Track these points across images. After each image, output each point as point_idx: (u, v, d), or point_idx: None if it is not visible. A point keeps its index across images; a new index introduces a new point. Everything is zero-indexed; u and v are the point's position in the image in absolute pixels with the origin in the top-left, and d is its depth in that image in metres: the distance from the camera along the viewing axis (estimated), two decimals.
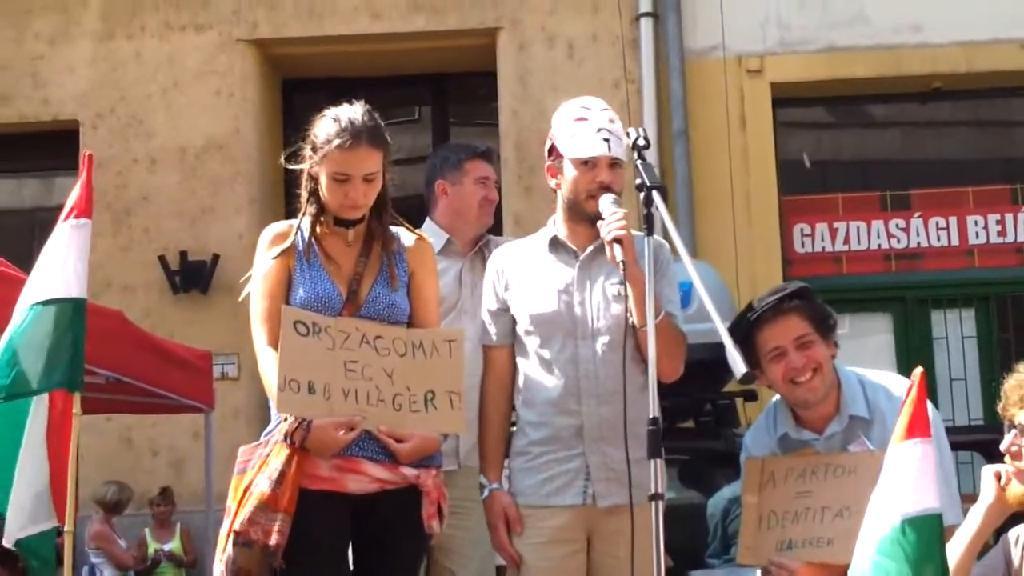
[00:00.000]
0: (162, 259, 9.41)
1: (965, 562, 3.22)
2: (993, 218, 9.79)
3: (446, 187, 4.61)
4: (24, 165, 10.25)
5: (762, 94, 9.59)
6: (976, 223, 9.79)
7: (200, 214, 9.54)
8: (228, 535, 3.39)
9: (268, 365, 3.48)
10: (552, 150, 3.85)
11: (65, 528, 4.80)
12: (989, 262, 9.78)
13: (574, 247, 3.83)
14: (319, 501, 3.40)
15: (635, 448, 3.50)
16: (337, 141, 3.49)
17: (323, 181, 3.55)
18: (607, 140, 3.73)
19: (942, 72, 9.61)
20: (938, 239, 9.79)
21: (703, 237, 9.29)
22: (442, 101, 10.41)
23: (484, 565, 4.41)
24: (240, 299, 3.68)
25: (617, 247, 3.55)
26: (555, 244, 3.87)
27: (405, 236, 3.74)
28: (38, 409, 4.83)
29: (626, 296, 3.61)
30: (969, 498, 3.45)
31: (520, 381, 3.84)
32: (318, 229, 3.63)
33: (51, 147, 9.84)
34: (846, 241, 9.83)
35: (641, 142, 3.67)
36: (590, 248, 3.80)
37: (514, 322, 3.85)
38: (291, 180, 3.74)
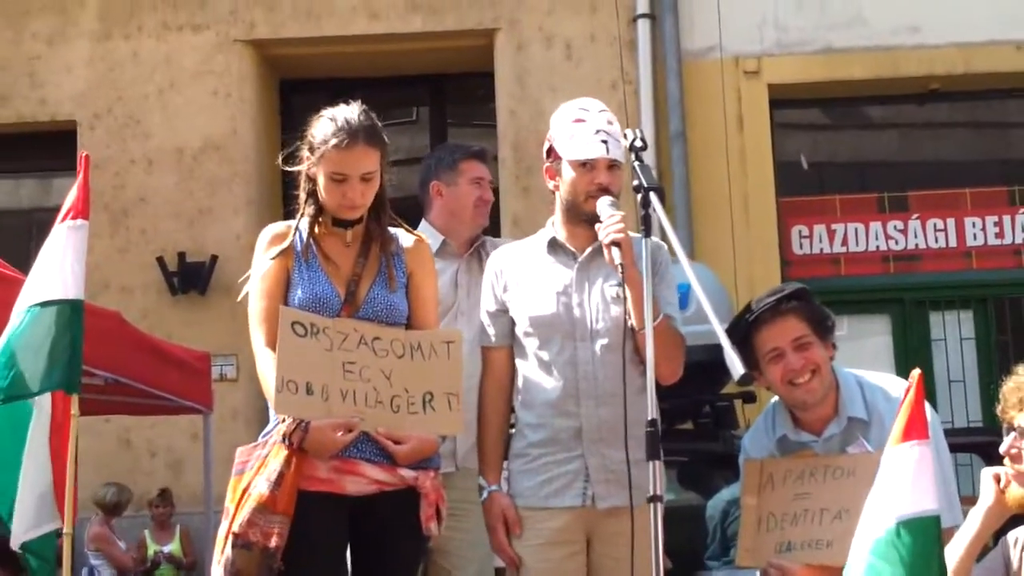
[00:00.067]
0: (160, 260, 9.40)
1: (964, 564, 3.22)
2: (991, 220, 9.80)
3: (441, 188, 4.60)
4: (22, 165, 10.25)
5: (759, 95, 9.59)
6: (974, 225, 9.80)
7: (198, 215, 9.53)
8: (227, 537, 3.38)
9: (266, 366, 3.47)
10: (550, 151, 3.85)
11: (64, 530, 4.80)
12: (987, 264, 9.79)
13: (573, 249, 3.83)
14: (317, 502, 3.40)
15: (635, 450, 3.49)
16: (334, 141, 3.49)
17: (321, 181, 3.55)
18: (605, 142, 3.73)
19: (939, 73, 9.62)
20: (936, 241, 9.80)
21: (701, 239, 9.29)
22: (440, 102, 10.41)
23: (483, 567, 4.41)
24: (238, 300, 3.68)
25: (615, 250, 3.54)
26: (554, 246, 3.87)
27: (404, 237, 3.74)
28: (41, 411, 4.84)
29: (625, 298, 3.60)
30: (968, 500, 3.45)
31: (519, 383, 3.84)
32: (316, 230, 3.63)
33: (48, 147, 9.84)
34: (844, 242, 9.84)
35: (638, 143, 3.67)
36: (589, 250, 3.80)
37: (513, 323, 3.85)
38: (289, 181, 3.74)
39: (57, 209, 4.91)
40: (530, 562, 3.72)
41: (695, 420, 7.23)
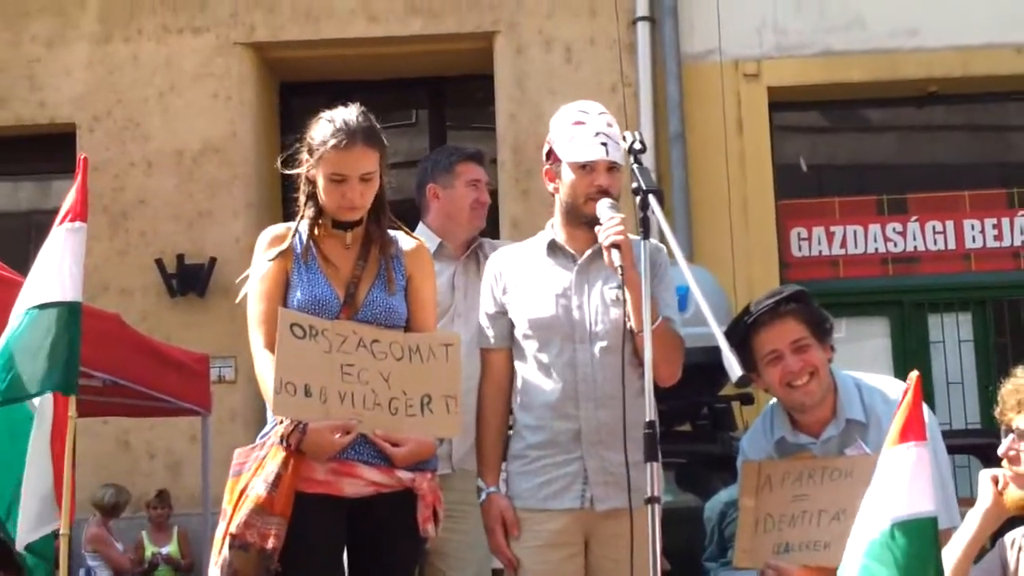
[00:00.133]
0: (159, 262, 9.41)
1: (962, 566, 3.22)
2: (989, 222, 9.81)
3: (437, 191, 4.60)
4: (21, 168, 10.25)
5: (759, 98, 9.60)
6: (973, 227, 9.81)
7: (197, 217, 9.54)
8: (224, 538, 3.38)
9: (264, 367, 3.47)
10: (550, 154, 3.85)
11: (61, 531, 4.80)
12: (985, 266, 9.80)
13: (572, 251, 3.83)
14: (315, 504, 3.40)
15: (634, 452, 3.49)
16: (333, 141, 3.49)
17: (320, 183, 3.55)
18: (605, 144, 3.73)
19: (938, 76, 9.63)
20: (935, 243, 9.81)
21: (700, 241, 9.29)
22: (439, 105, 10.41)
23: (480, 568, 4.41)
24: (237, 301, 3.68)
25: (615, 252, 3.54)
26: (553, 248, 3.87)
27: (403, 240, 3.74)
28: (43, 413, 4.85)
29: (624, 300, 3.60)
30: (966, 502, 3.45)
31: (518, 385, 3.83)
32: (316, 232, 3.63)
33: (48, 150, 9.85)
34: (843, 245, 9.84)
35: (637, 146, 3.67)
36: (588, 252, 3.80)
37: (512, 325, 3.85)
38: (288, 184, 3.74)
39: (56, 211, 4.91)
40: (528, 564, 3.72)
41: (693, 422, 7.23)
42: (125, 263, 9.45)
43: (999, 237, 9.79)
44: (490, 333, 3.89)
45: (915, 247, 9.81)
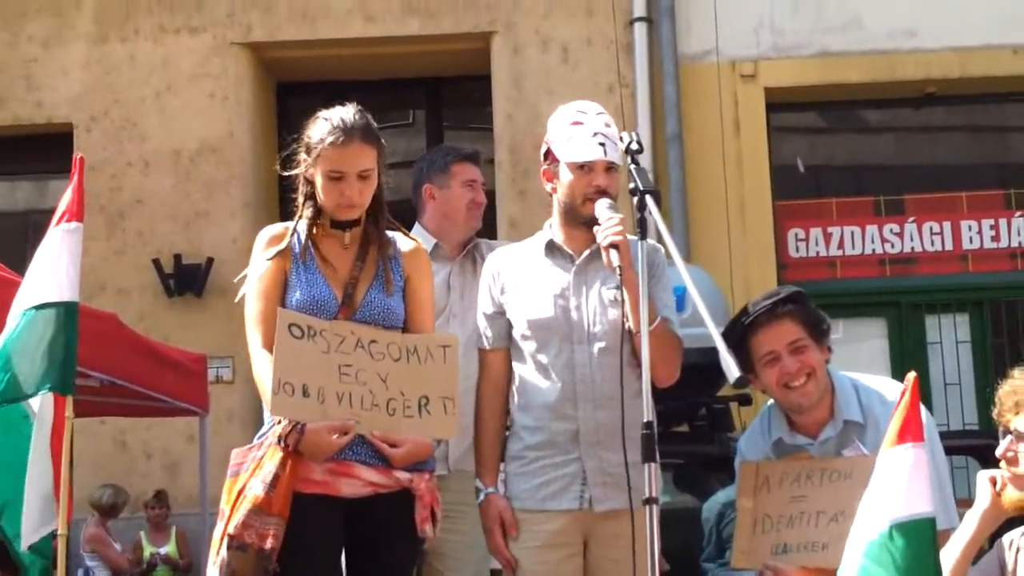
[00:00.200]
0: (156, 262, 9.41)
1: (960, 567, 3.22)
2: (987, 223, 9.81)
3: (433, 191, 4.59)
4: (18, 168, 10.25)
5: (756, 99, 9.60)
6: (970, 228, 9.81)
7: (194, 217, 9.53)
8: (222, 538, 3.38)
9: (262, 367, 3.47)
10: (548, 154, 3.84)
11: (59, 531, 4.80)
12: (983, 267, 9.81)
13: (570, 251, 3.83)
14: (313, 505, 3.39)
15: (633, 452, 3.48)
16: (330, 139, 3.50)
17: (319, 181, 3.55)
18: (603, 144, 3.72)
19: (936, 77, 9.63)
20: (932, 244, 9.81)
21: (697, 241, 9.30)
22: (436, 105, 10.41)
23: (479, 569, 4.40)
24: (236, 300, 3.68)
25: (613, 252, 3.54)
26: (551, 248, 3.86)
27: (401, 241, 3.73)
28: (43, 414, 4.85)
29: (622, 301, 3.60)
30: (963, 503, 3.45)
31: (516, 385, 3.83)
32: (314, 232, 3.63)
33: (45, 150, 9.84)
34: (840, 246, 9.85)
35: (635, 146, 3.67)
36: (586, 253, 3.79)
37: (510, 326, 3.84)
38: (286, 184, 3.74)
39: (53, 211, 4.91)
40: (527, 564, 3.72)
41: (691, 423, 7.23)
42: (122, 263, 9.45)
43: (996, 238, 9.80)
44: (488, 334, 3.89)
45: (912, 248, 9.82)
